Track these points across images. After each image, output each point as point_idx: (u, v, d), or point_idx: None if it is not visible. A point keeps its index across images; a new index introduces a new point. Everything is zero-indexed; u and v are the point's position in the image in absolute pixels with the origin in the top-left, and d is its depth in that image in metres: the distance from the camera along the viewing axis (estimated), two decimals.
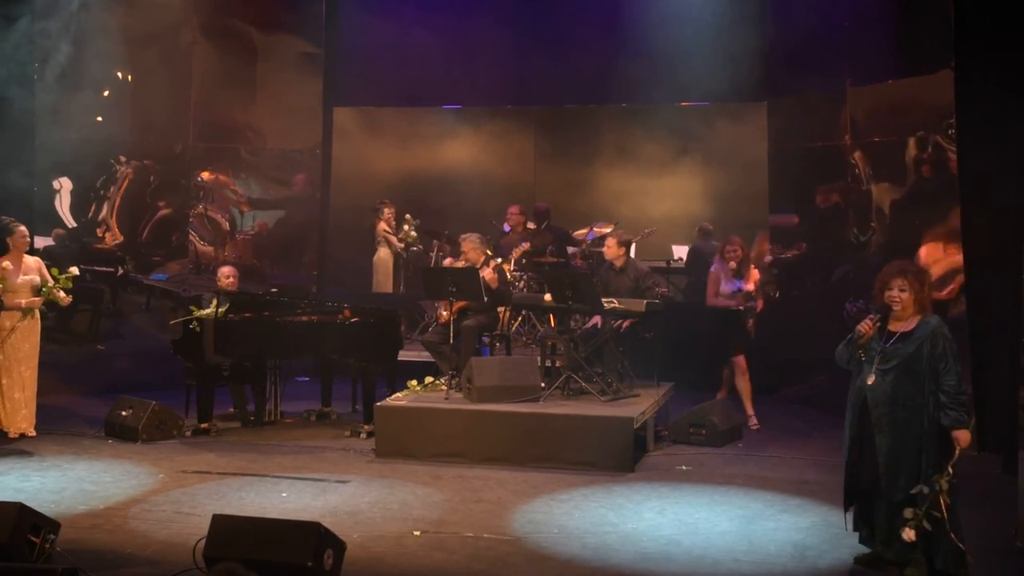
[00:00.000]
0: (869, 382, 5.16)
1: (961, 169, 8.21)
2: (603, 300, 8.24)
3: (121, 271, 11.02)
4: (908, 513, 5.01)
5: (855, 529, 5.40)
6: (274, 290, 11.18)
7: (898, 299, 5.19)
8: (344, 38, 12.27)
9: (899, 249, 8.65)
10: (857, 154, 9.85)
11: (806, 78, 10.44)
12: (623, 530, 6.01)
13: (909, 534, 5.00)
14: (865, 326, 5.20)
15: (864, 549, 5.41)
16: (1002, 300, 7.18)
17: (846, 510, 5.38)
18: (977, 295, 7.98)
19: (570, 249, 11.12)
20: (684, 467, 7.56)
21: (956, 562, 5.10)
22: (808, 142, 10.54)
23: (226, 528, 5.01)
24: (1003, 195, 7.16)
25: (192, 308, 8.57)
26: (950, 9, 8.10)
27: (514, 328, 10.01)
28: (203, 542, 4.98)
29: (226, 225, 11.90)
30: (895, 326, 5.24)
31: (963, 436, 5.05)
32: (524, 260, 10.37)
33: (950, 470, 5.01)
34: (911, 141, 9.12)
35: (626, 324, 8.51)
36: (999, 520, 6.04)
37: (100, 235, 11.14)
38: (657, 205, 12.34)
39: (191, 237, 11.72)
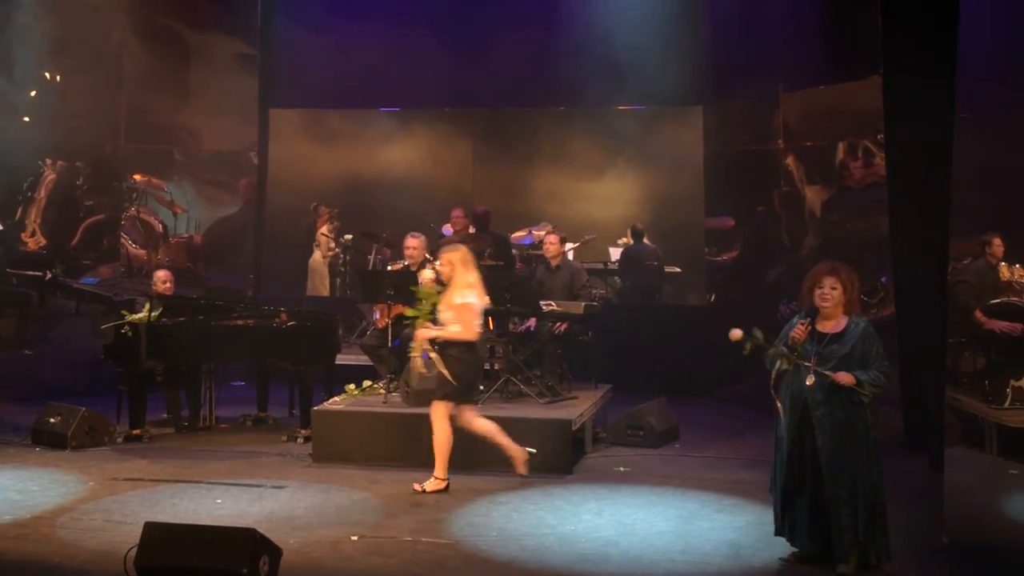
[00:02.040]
0: (808, 383, 5.24)
1: (889, 173, 8.39)
2: (541, 303, 8.26)
3: (49, 275, 10.76)
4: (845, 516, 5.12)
5: (779, 532, 5.48)
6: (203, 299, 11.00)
7: (829, 297, 5.28)
8: (280, 39, 12.16)
9: (830, 251, 8.83)
10: (790, 158, 10.03)
11: (741, 83, 10.60)
12: (561, 532, 6.03)
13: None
14: (798, 331, 5.29)
15: (792, 548, 5.49)
16: (930, 300, 7.35)
17: (783, 511, 5.44)
18: (906, 296, 8.15)
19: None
20: (622, 468, 7.61)
21: (884, 555, 5.26)
22: (742, 146, 10.70)
23: (158, 536, 4.93)
24: (930, 199, 7.32)
25: (124, 312, 8.40)
26: (878, 17, 8.28)
27: None
28: (135, 551, 4.88)
29: (159, 228, 11.70)
30: (825, 327, 5.33)
31: (846, 378, 5.14)
32: None
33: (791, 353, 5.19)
34: (841, 145, 9.32)
35: (564, 326, 8.54)
36: (927, 517, 6.17)
37: (25, 239, 10.88)
38: (594, 208, 12.42)
39: (123, 240, 11.51)
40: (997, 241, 5.67)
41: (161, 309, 8.21)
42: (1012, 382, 5.34)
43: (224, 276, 12.16)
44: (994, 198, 5.79)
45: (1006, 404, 5.42)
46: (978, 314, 5.82)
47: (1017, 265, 5.52)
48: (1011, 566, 5.10)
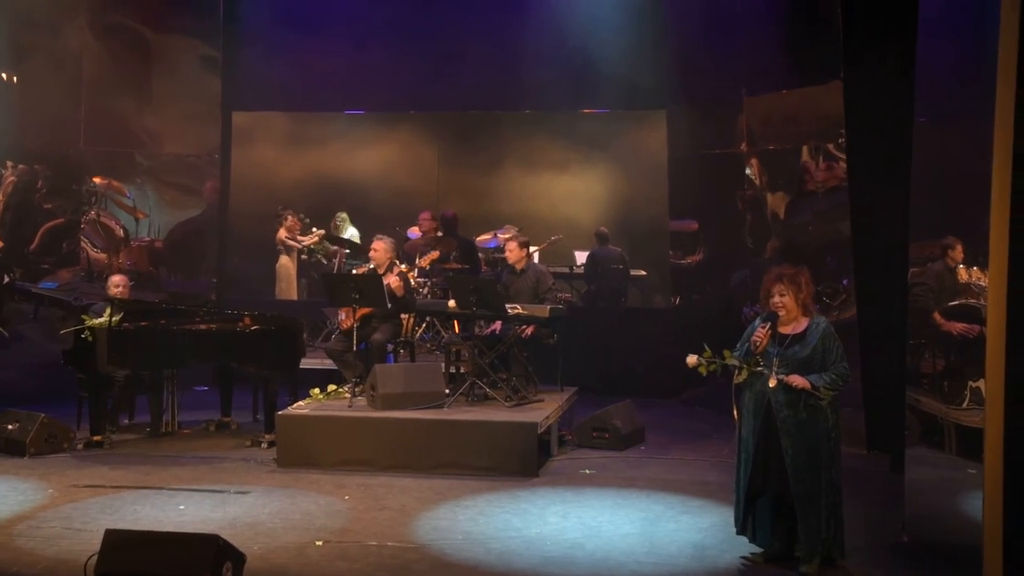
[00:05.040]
0: (771, 385, 5.29)
1: (850, 177, 8.49)
2: (507, 306, 8.27)
3: (7, 279, 10.60)
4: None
5: (741, 532, 5.53)
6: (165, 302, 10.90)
7: (781, 304, 5.37)
8: (243, 41, 12.06)
9: (793, 254, 8.91)
10: (753, 161, 10.10)
11: (704, 87, 10.67)
12: (527, 535, 6.04)
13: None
14: (759, 336, 5.34)
15: (755, 548, 5.54)
16: (890, 303, 7.44)
17: (746, 512, 5.49)
18: (867, 298, 8.25)
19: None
20: (587, 471, 7.63)
21: (840, 552, 5.35)
22: (706, 149, 10.76)
23: (119, 543, 4.87)
24: (890, 201, 7.41)
25: (84, 317, 8.31)
26: (838, 21, 8.37)
27: (418, 334, 9.98)
28: (95, 558, 4.83)
29: (120, 231, 11.56)
30: (785, 329, 5.40)
31: (801, 382, 5.20)
32: (430, 267, 10.36)
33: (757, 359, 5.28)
34: (804, 149, 9.39)
35: (530, 330, 8.55)
36: (887, 516, 6.26)
37: None
38: (560, 211, 12.46)
39: (83, 244, 11.36)
40: (959, 247, 5.76)
41: (123, 314, 8.12)
42: (970, 383, 5.40)
43: (187, 280, 12.04)
44: (952, 202, 5.86)
45: (964, 404, 5.48)
46: (937, 316, 5.88)
47: (975, 268, 5.59)
48: (968, 563, 5.16)
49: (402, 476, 7.29)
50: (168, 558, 4.77)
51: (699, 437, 8.88)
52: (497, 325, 8.70)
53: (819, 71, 8.90)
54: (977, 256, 5.34)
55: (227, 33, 11.89)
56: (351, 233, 12.09)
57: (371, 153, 12.93)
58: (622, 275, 11.93)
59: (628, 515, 6.44)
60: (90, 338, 8.08)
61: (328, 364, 9.14)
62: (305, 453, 7.61)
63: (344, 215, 12.25)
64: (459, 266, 10.48)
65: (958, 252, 5.80)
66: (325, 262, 11.89)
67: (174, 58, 11.58)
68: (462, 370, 8.57)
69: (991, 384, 5.07)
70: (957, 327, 5.70)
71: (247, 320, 8.53)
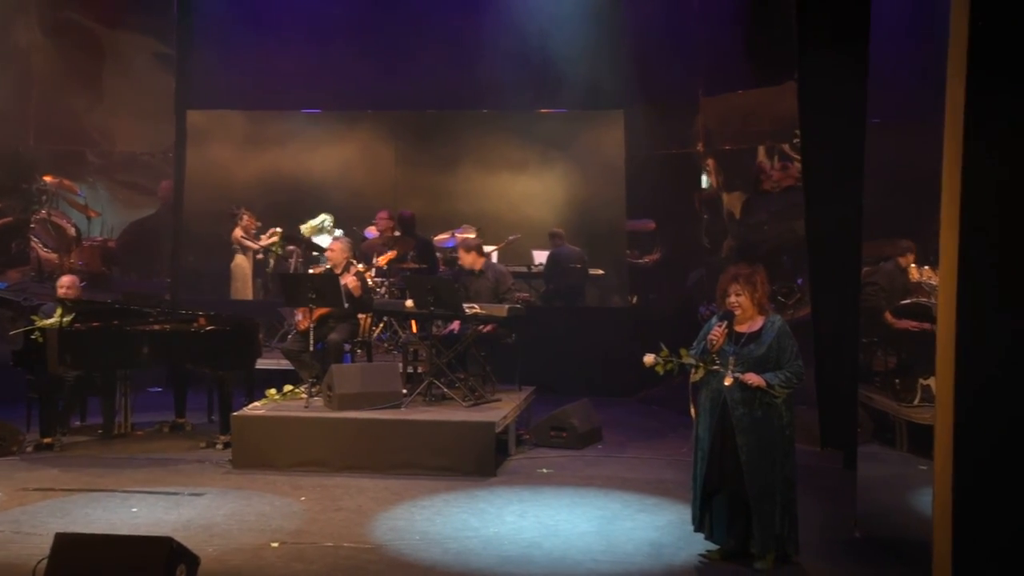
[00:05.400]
0: (727, 383, 5.33)
1: (805, 177, 8.58)
2: (465, 305, 8.27)
3: None
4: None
5: (698, 529, 5.57)
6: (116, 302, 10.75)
7: (736, 304, 5.42)
8: (198, 39, 11.94)
9: (749, 254, 8.98)
10: (710, 161, 10.18)
11: (661, 87, 10.73)
12: (484, 534, 6.03)
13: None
14: (716, 334, 5.38)
15: (711, 545, 5.58)
16: (843, 302, 7.53)
17: (702, 510, 5.53)
18: (821, 297, 8.34)
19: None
20: (545, 470, 7.65)
21: (794, 548, 5.41)
22: (663, 149, 10.83)
23: (70, 547, 4.79)
24: (844, 201, 7.50)
25: (34, 318, 8.17)
26: (793, 23, 8.46)
27: (376, 334, 9.94)
28: (45, 563, 4.74)
29: (72, 231, 11.39)
30: (741, 327, 5.45)
31: (755, 379, 5.26)
32: (387, 267, 10.32)
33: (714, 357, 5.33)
34: (760, 149, 9.48)
35: (488, 328, 8.55)
36: (840, 512, 6.33)
37: None
38: (518, 211, 12.48)
39: (33, 243, 11.18)
40: (910, 247, 5.85)
41: (74, 314, 8.00)
42: (921, 380, 5.48)
43: (141, 280, 11.90)
44: (904, 202, 5.94)
45: (915, 402, 5.56)
46: (888, 315, 5.97)
47: (926, 267, 5.67)
48: (918, 558, 5.24)
49: (359, 477, 7.25)
50: (120, 561, 4.70)
51: (656, 435, 8.94)
52: (455, 325, 8.69)
53: (774, 72, 8.99)
54: (928, 255, 5.42)
55: (181, 30, 11.76)
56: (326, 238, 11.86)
57: (328, 152, 12.85)
58: (580, 274, 11.97)
59: (585, 514, 6.46)
60: (40, 339, 7.95)
61: (284, 364, 9.06)
62: (261, 454, 7.54)
63: (328, 217, 11.99)
64: (416, 266, 10.45)
65: (909, 252, 5.88)
66: (287, 258, 11.76)
67: (127, 55, 11.43)
68: (419, 370, 8.55)
69: (941, 382, 5.15)
70: (907, 325, 5.78)
71: (202, 320, 8.45)
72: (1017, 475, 5.13)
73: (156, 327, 8.39)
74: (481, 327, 8.46)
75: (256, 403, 8.17)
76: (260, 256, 11.86)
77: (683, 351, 5.44)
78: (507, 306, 8.42)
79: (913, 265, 5.80)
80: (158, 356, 8.42)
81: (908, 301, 5.79)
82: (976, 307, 5.10)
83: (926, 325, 5.47)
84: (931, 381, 5.25)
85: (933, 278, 5.32)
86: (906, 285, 5.84)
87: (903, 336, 5.83)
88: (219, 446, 8.05)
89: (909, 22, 5.89)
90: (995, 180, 5.08)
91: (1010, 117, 5.05)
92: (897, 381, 5.89)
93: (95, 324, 8.12)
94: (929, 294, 5.45)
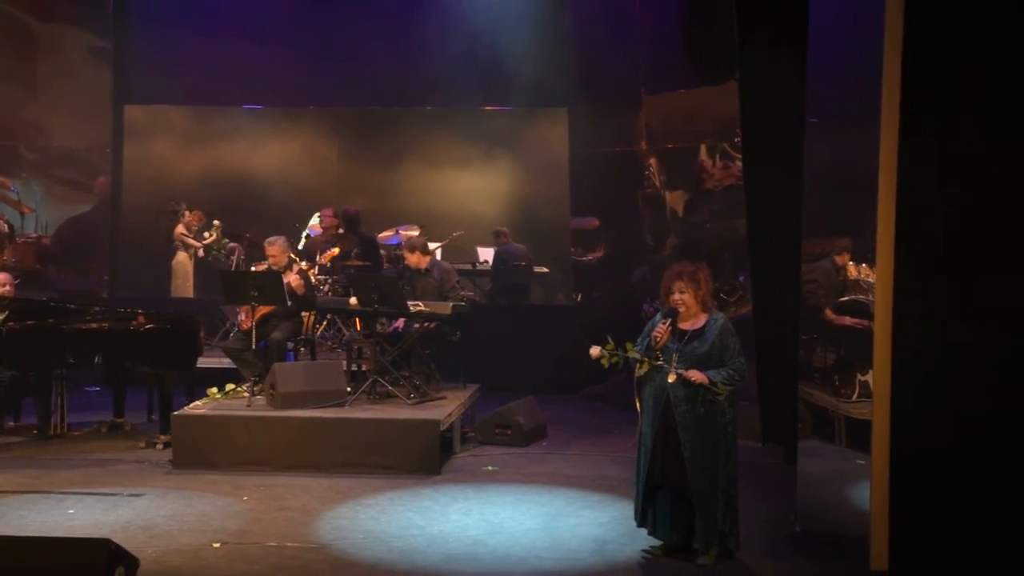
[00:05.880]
0: (670, 380, 5.37)
1: (746, 176, 8.69)
2: (409, 303, 8.24)
3: None
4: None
5: (640, 524, 5.61)
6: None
7: (681, 301, 5.47)
8: (135, 33, 11.74)
9: (692, 252, 9.07)
10: (652, 160, 10.25)
11: (605, 85, 10.79)
12: (429, 532, 6.02)
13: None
14: (660, 331, 5.42)
15: (655, 541, 5.63)
16: (784, 299, 7.64)
17: (645, 505, 5.57)
18: (762, 295, 8.46)
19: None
20: (490, 467, 7.65)
21: (736, 543, 5.48)
22: (607, 147, 10.89)
23: (3, 549, 4.68)
24: (784, 200, 7.61)
25: None
26: (734, 22, 8.55)
27: (319, 332, 9.86)
28: None
29: (4, 227, 11.12)
30: (685, 324, 5.49)
31: (698, 376, 5.32)
32: (331, 264, 10.24)
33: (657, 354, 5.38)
34: (702, 148, 9.58)
35: (432, 326, 8.53)
36: (781, 507, 6.42)
37: None
38: (462, 208, 12.48)
39: None
40: (847, 245, 5.95)
41: (7, 313, 7.83)
42: (859, 376, 5.58)
43: (77, 278, 11.67)
44: (843, 200, 6.05)
45: (854, 397, 5.65)
46: (828, 312, 6.06)
47: (864, 265, 5.77)
48: (857, 551, 5.34)
49: (303, 476, 7.19)
50: (56, 564, 4.60)
51: (600, 432, 8.99)
52: (400, 322, 8.65)
53: (716, 71, 9.09)
54: (866, 253, 5.52)
55: (118, 24, 11.56)
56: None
57: (270, 149, 12.73)
58: (525, 272, 12.00)
59: (530, 511, 6.48)
60: None
61: (226, 363, 8.96)
62: (202, 454, 7.44)
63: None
64: (360, 263, 10.39)
65: (845, 250, 5.98)
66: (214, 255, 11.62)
67: (61, 49, 11.21)
68: (364, 368, 8.49)
69: (878, 377, 5.25)
70: (846, 322, 5.88)
71: (141, 318, 8.30)
72: (952, 469, 5.25)
73: (94, 325, 8.24)
74: (425, 324, 8.44)
75: (197, 402, 8.06)
76: (201, 254, 11.70)
77: (629, 345, 5.48)
78: (451, 304, 8.40)
79: (851, 263, 5.90)
80: (95, 355, 8.26)
81: (846, 298, 5.89)
82: (912, 304, 5.21)
83: (864, 322, 5.57)
84: (869, 377, 5.35)
85: (871, 276, 5.42)
86: (844, 283, 5.94)
87: (841, 333, 5.93)
88: (159, 446, 7.93)
89: (846, 22, 5.99)
90: (930, 179, 5.20)
91: (944, 116, 5.16)
92: (836, 377, 5.99)
93: (29, 322, 7.94)
94: (867, 291, 5.54)
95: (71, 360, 8.15)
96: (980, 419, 5.23)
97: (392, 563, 5.51)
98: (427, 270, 8.84)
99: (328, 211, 10.97)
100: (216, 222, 11.50)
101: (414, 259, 8.83)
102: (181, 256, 11.67)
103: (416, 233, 10.89)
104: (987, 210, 5.22)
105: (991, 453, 5.22)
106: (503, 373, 10.04)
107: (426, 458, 7.41)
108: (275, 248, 8.74)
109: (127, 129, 12.05)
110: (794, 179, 6.61)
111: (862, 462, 5.42)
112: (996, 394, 5.20)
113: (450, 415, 7.85)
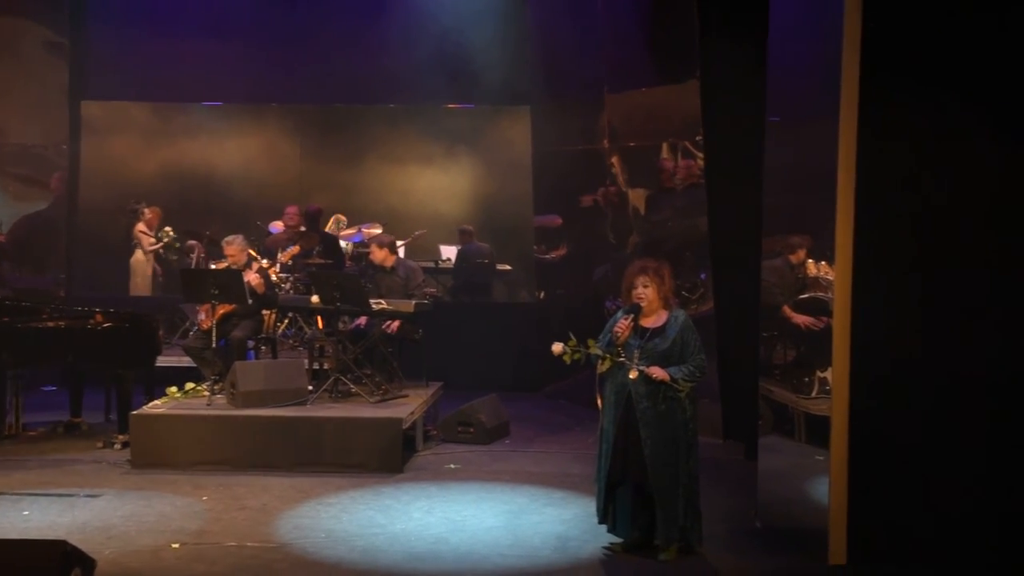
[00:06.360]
0: (632, 377, 5.39)
1: (707, 174, 8.74)
2: (372, 301, 8.20)
3: None
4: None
5: (602, 521, 5.63)
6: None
7: (644, 296, 5.49)
8: (92, 28, 11.57)
9: (654, 250, 9.10)
10: (615, 158, 10.28)
11: (567, 83, 10.80)
12: (391, 531, 6.00)
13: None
14: (621, 327, 5.44)
15: (617, 538, 5.65)
16: (745, 297, 7.69)
17: (607, 503, 5.58)
18: (723, 292, 8.51)
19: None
20: (453, 465, 7.64)
21: (698, 539, 5.52)
22: (569, 146, 10.91)
23: None
24: (745, 198, 7.66)
25: None
26: (695, 21, 8.60)
27: (280, 331, 9.79)
28: None
29: None
30: (646, 322, 5.52)
31: (660, 373, 5.34)
32: (292, 262, 10.17)
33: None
34: (664, 146, 9.62)
35: (396, 325, 8.50)
36: (741, 503, 6.47)
37: None
38: (425, 206, 12.44)
39: None
40: (801, 243, 6.01)
41: None
42: (818, 373, 5.64)
43: (33, 276, 11.50)
44: (802, 198, 6.10)
45: (813, 394, 5.71)
46: (786, 309, 6.11)
47: (823, 262, 5.83)
48: (816, 545, 5.40)
49: (263, 475, 7.14)
50: (11, 566, 4.53)
51: (562, 429, 9.00)
52: (362, 319, 8.62)
53: (678, 70, 9.12)
54: (825, 251, 5.57)
55: (75, 19, 11.38)
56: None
57: (232, 146, 12.59)
58: (488, 269, 11.99)
59: (492, 508, 6.48)
60: None
61: (187, 362, 8.88)
62: (161, 454, 7.37)
63: (342, 217, 11.70)
64: (322, 261, 10.33)
65: (801, 248, 6.04)
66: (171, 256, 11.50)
67: (15, 43, 11.01)
68: (326, 366, 8.44)
69: (837, 374, 5.31)
70: (802, 320, 5.93)
71: (99, 317, 8.19)
72: (909, 465, 5.33)
73: (50, 324, 8.12)
74: (387, 326, 8.41)
75: (156, 401, 7.98)
76: (162, 252, 11.57)
77: (591, 342, 5.49)
78: (414, 302, 8.38)
79: (810, 260, 5.96)
80: (52, 354, 8.15)
81: (806, 296, 5.94)
82: (870, 301, 5.28)
83: (822, 319, 5.62)
84: (828, 373, 5.40)
85: (830, 273, 5.47)
86: (804, 280, 5.99)
87: (801, 330, 5.98)
88: (117, 446, 7.83)
89: (805, 22, 6.05)
90: (888, 177, 5.26)
91: (902, 114, 5.23)
92: (796, 374, 6.04)
93: None
94: (826, 289, 5.60)
95: (26, 359, 8.03)
96: (937, 415, 5.32)
97: (354, 562, 5.48)
98: (392, 268, 8.80)
99: (292, 209, 10.90)
100: (168, 229, 11.35)
101: (380, 255, 8.79)
102: (140, 255, 11.54)
103: (379, 231, 10.86)
104: (945, 207, 5.30)
105: (947, 448, 5.30)
106: (466, 371, 10.02)
107: (388, 456, 7.38)
108: (233, 247, 8.67)
109: (85, 125, 11.88)
110: (755, 177, 6.66)
111: (821, 458, 5.47)
112: (952, 390, 5.29)
113: (413, 413, 7.83)
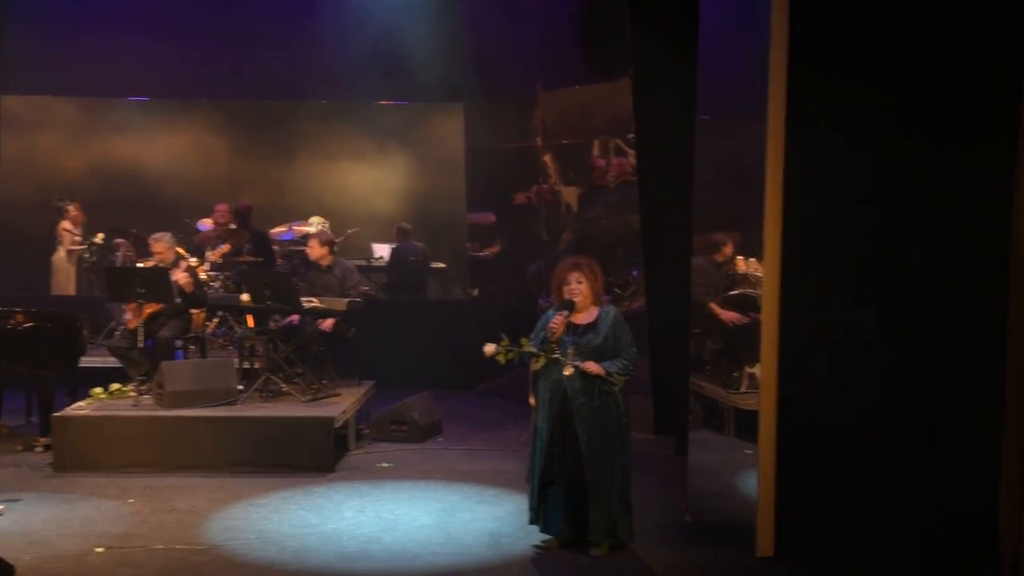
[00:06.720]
0: (567, 373, 5.40)
1: (639, 172, 8.80)
2: (304, 299, 8.11)
3: None
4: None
5: (534, 522, 5.63)
6: None
7: (577, 291, 5.51)
8: (13, 20, 11.25)
9: (586, 247, 9.14)
10: (548, 156, 10.31)
11: (501, 81, 10.80)
12: (323, 531, 5.94)
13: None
14: (556, 323, 5.45)
15: (546, 537, 5.65)
16: (675, 293, 7.76)
17: (540, 501, 5.58)
18: (654, 289, 8.57)
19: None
20: (385, 464, 7.59)
21: (628, 533, 5.56)
22: (503, 143, 10.90)
23: None
24: (676, 196, 7.72)
25: None
26: (627, 19, 8.64)
27: (210, 330, 9.62)
28: None
29: None
30: (579, 318, 5.54)
31: (595, 368, 5.38)
32: (222, 260, 10.01)
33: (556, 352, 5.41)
34: (596, 144, 9.66)
35: (330, 323, 8.41)
36: (672, 497, 6.53)
37: None
38: (358, 203, 12.35)
39: None
40: (725, 240, 6.08)
41: None
42: (747, 368, 5.71)
43: None
44: (731, 195, 6.17)
45: (742, 389, 5.79)
46: (713, 306, 6.18)
47: (752, 259, 5.91)
48: (744, 538, 5.47)
49: (192, 476, 7.02)
50: None
51: (496, 427, 9.01)
52: (295, 316, 8.51)
53: (610, 68, 9.16)
54: (754, 247, 5.64)
55: None
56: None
57: (159, 143, 12.37)
58: (421, 267, 11.94)
59: (425, 507, 6.45)
60: None
61: (112, 362, 8.68)
62: (85, 456, 7.20)
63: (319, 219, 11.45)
64: (252, 259, 10.19)
65: (725, 246, 6.12)
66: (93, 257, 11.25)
67: None
68: (256, 365, 8.33)
69: (765, 369, 5.38)
70: (728, 316, 6.01)
71: (19, 316, 7.96)
72: (836, 458, 5.42)
73: None
74: (319, 324, 8.32)
75: (80, 403, 7.79)
76: (83, 247, 11.30)
77: (524, 340, 5.49)
78: (347, 300, 8.30)
79: (740, 257, 6.03)
80: None
81: (735, 292, 6.01)
82: (798, 297, 5.35)
83: (748, 316, 5.70)
84: (756, 369, 5.47)
85: (759, 270, 5.54)
86: (733, 277, 6.07)
87: (728, 326, 6.06)
88: (38, 449, 7.63)
89: (734, 22, 6.12)
90: (815, 175, 5.34)
91: (829, 112, 5.31)
92: (725, 369, 6.11)
93: None
94: (755, 285, 5.67)
95: None
96: (864, 409, 5.41)
97: (285, 563, 5.42)
98: (329, 267, 8.70)
99: (222, 207, 10.74)
100: (100, 235, 11.09)
101: (318, 253, 8.67)
102: (62, 253, 11.27)
103: (312, 229, 10.71)
104: (872, 203, 5.39)
105: (874, 443, 5.40)
106: (399, 369, 9.96)
107: (320, 456, 7.32)
108: (160, 245, 8.51)
109: (5, 121, 11.57)
110: (687, 175, 6.72)
111: (750, 452, 5.54)
112: (880, 385, 5.38)
113: (345, 412, 7.77)
